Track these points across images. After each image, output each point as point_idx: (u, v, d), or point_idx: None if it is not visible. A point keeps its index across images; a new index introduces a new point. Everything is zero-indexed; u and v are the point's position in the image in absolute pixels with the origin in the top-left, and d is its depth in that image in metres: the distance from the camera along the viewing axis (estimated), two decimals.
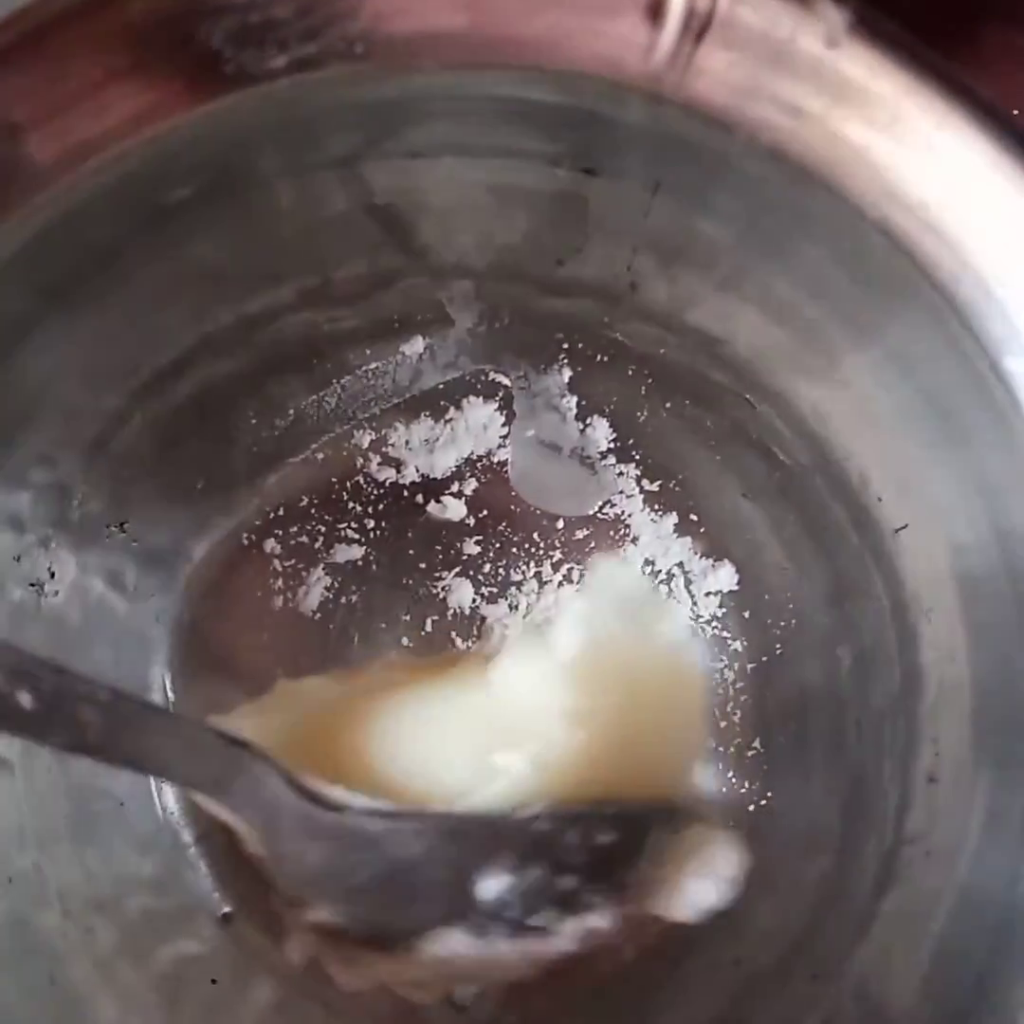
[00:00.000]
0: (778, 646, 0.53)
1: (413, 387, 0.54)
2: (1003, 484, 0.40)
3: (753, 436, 0.51)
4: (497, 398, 0.54)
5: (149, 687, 0.52)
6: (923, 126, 0.36)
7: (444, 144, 0.42)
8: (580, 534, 0.54)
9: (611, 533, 0.54)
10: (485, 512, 0.54)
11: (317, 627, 0.53)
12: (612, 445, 0.54)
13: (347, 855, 0.35)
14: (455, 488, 0.54)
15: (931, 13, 0.38)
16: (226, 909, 0.51)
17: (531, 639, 0.42)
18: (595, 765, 0.35)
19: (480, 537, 0.54)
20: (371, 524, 0.54)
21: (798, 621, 0.53)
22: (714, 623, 0.54)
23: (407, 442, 0.54)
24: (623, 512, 0.54)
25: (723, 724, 0.52)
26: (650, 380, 0.53)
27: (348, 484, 0.54)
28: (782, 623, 0.53)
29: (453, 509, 0.54)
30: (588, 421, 0.54)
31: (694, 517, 0.54)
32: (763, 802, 0.52)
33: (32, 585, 0.47)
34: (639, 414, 0.54)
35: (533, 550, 0.54)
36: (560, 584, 0.53)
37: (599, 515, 0.54)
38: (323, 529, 0.54)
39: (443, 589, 0.53)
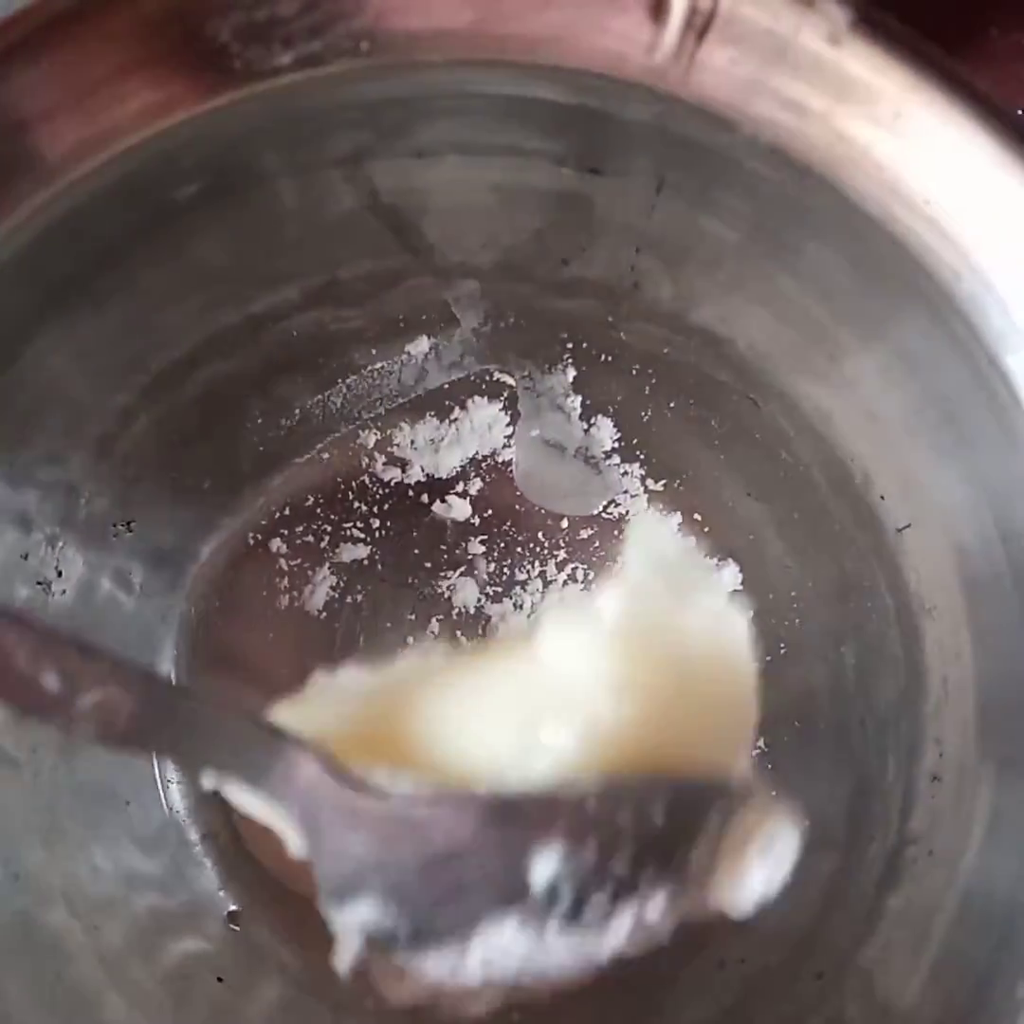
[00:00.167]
0: (782, 645, 0.53)
1: (418, 387, 0.54)
2: (1006, 483, 0.40)
3: (757, 436, 0.51)
4: (502, 398, 0.55)
5: None
6: (925, 123, 0.36)
7: (449, 143, 0.42)
8: (584, 534, 0.54)
9: (615, 532, 0.54)
10: (490, 512, 0.54)
11: (323, 626, 0.53)
12: (616, 445, 0.54)
13: (392, 844, 0.33)
14: (460, 488, 0.54)
15: (933, 10, 0.38)
16: (232, 907, 0.51)
17: (573, 607, 0.40)
18: (644, 739, 0.34)
19: (485, 537, 0.54)
20: (376, 523, 0.54)
21: (802, 620, 0.53)
22: None
23: (412, 442, 0.55)
24: (627, 511, 0.54)
25: None
26: (654, 380, 0.53)
27: (353, 484, 0.55)
28: (786, 622, 0.53)
29: (458, 509, 0.54)
30: (592, 421, 0.54)
31: (698, 516, 0.54)
32: None
33: (39, 583, 0.47)
34: (643, 414, 0.54)
35: (538, 549, 0.54)
36: (565, 583, 0.54)
37: (603, 514, 0.54)
38: (329, 528, 0.54)
39: (448, 588, 0.54)
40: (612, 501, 0.55)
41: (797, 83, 0.36)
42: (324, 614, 0.53)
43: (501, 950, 0.33)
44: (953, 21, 0.49)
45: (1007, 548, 0.41)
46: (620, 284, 0.48)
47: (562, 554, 0.54)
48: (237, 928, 0.51)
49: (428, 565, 0.54)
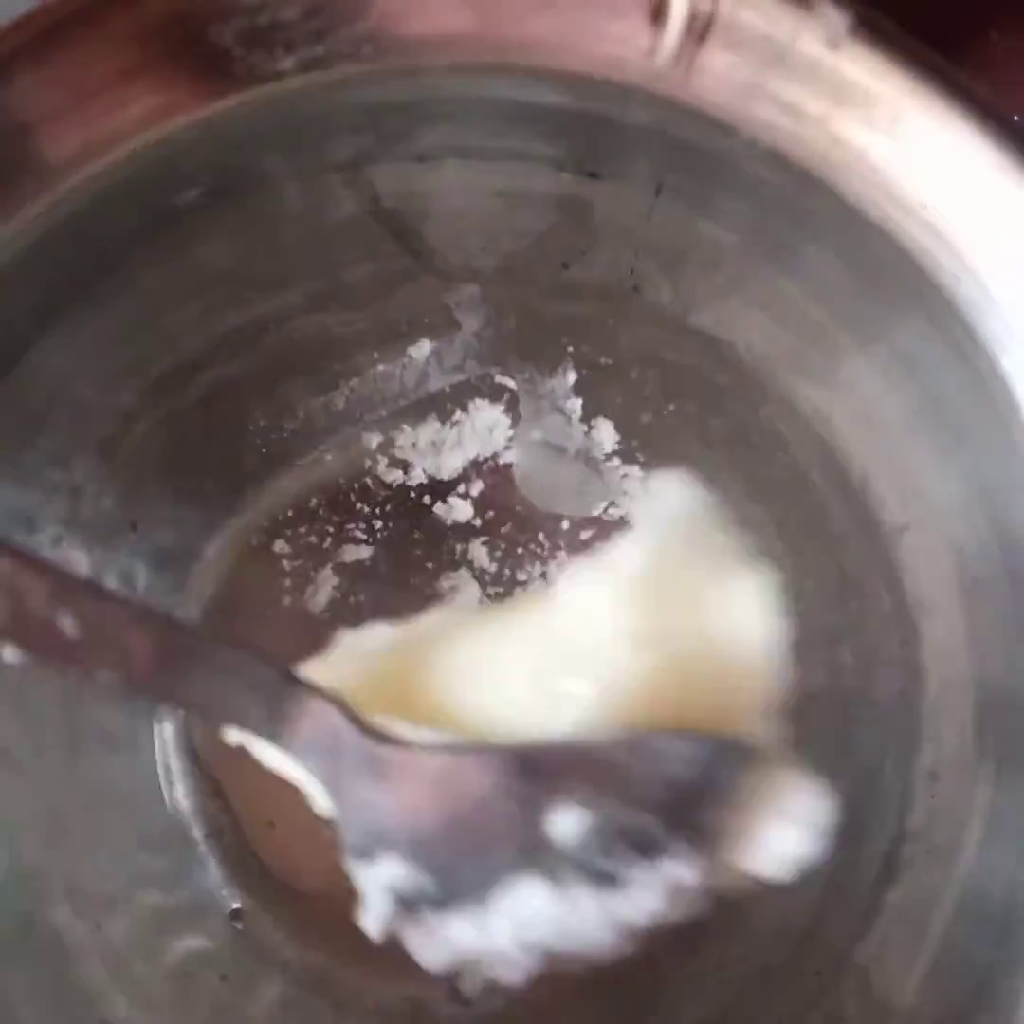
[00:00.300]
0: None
1: (420, 390, 0.54)
2: (1004, 485, 0.40)
3: (756, 438, 0.51)
4: (503, 401, 0.55)
5: None
6: (923, 127, 0.36)
7: (450, 147, 0.42)
8: (585, 535, 0.54)
9: (615, 534, 0.54)
10: (491, 513, 0.55)
11: (325, 626, 0.53)
12: (617, 447, 0.55)
13: (414, 796, 0.33)
14: (462, 489, 0.55)
15: (932, 14, 0.38)
16: (235, 905, 0.51)
17: (592, 558, 0.40)
18: (664, 691, 0.33)
19: (486, 538, 0.54)
20: (379, 525, 0.54)
21: (801, 620, 0.52)
22: None
23: (414, 444, 0.55)
24: (628, 513, 0.54)
25: None
26: (654, 382, 0.53)
27: (356, 485, 0.55)
28: (785, 622, 0.53)
29: (460, 510, 0.54)
30: (593, 423, 0.55)
31: None
32: None
33: None
34: (643, 416, 0.54)
35: (539, 551, 0.54)
36: None
37: (604, 516, 0.55)
38: (331, 529, 0.54)
39: (450, 589, 0.54)
40: (612, 503, 0.55)
41: (795, 87, 0.36)
42: (327, 614, 0.54)
43: (530, 912, 0.33)
44: (952, 25, 0.48)
45: (1005, 549, 0.41)
46: (620, 287, 0.49)
47: (563, 555, 0.54)
48: (240, 926, 0.51)
49: (430, 566, 0.54)
